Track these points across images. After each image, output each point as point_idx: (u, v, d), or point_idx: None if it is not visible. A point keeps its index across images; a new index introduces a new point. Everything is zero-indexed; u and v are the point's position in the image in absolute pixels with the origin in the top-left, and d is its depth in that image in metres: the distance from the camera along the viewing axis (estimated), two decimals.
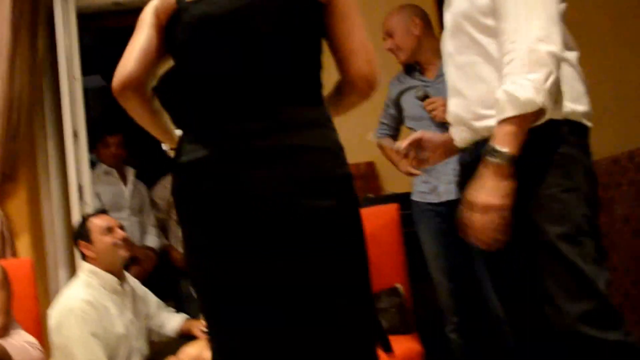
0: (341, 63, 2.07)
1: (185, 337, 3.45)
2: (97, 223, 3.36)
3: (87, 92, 7.54)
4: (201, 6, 1.95)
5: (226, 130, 1.92)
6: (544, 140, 1.96)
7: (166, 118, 2.19)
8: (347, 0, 2.05)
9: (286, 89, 1.97)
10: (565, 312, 1.88)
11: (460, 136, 2.23)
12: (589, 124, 2.05)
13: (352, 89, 2.11)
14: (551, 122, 1.95)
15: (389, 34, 3.51)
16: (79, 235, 3.38)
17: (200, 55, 1.97)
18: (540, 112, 1.87)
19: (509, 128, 1.88)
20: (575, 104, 2.01)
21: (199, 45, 1.96)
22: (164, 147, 2.30)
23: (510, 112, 1.86)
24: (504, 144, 1.88)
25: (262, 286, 1.89)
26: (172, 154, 2.15)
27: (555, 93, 1.91)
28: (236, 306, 1.93)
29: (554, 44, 1.88)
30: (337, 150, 1.99)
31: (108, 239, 3.32)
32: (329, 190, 1.91)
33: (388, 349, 2.12)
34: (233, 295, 1.93)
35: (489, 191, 1.90)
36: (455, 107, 2.22)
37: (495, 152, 1.88)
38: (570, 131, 1.99)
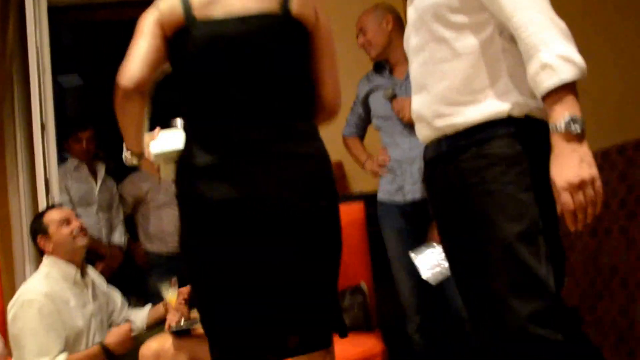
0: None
1: (153, 327, 3.46)
2: (54, 216, 3.36)
3: (65, 91, 7.55)
4: (212, 26, 2.15)
5: (238, 138, 2.13)
6: (504, 138, 1.91)
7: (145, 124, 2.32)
8: (326, 36, 2.33)
9: (288, 104, 2.21)
10: (516, 311, 1.85)
11: (422, 133, 2.19)
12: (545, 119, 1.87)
13: (319, 111, 2.38)
14: (511, 119, 1.91)
15: (362, 31, 3.57)
16: (37, 230, 3.36)
17: (213, 70, 2.16)
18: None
19: (570, 96, 1.75)
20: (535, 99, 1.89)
21: (211, 61, 2.16)
22: (126, 152, 2.35)
23: (568, 75, 1.73)
24: (575, 110, 1.75)
25: (271, 277, 2.14)
26: (131, 160, 2.34)
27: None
28: (244, 297, 2.15)
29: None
30: (327, 158, 2.30)
31: (65, 230, 3.31)
32: (324, 192, 2.22)
33: (344, 334, 2.35)
34: (242, 288, 2.14)
35: (586, 164, 1.73)
36: (417, 104, 2.17)
37: (574, 121, 1.73)
38: (530, 128, 1.91)
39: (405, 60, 3.48)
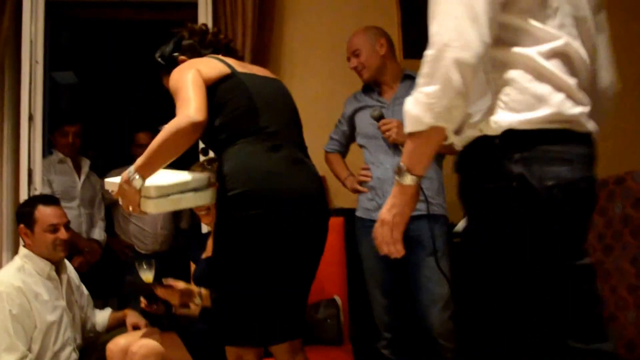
0: None
1: (113, 329, 3.49)
2: (45, 217, 3.30)
3: (60, 87, 7.58)
4: (250, 76, 2.68)
5: (289, 155, 2.58)
6: (478, 159, 1.87)
7: None
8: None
9: (299, 130, 2.80)
10: None
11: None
12: (554, 126, 1.78)
13: None
14: (484, 138, 1.83)
15: (354, 54, 3.58)
16: (23, 219, 3.33)
17: (257, 103, 2.60)
18: (441, 131, 1.79)
19: (409, 145, 1.87)
20: (526, 111, 1.77)
21: (256, 96, 2.62)
22: (136, 175, 2.44)
23: (406, 128, 1.83)
24: (404, 160, 1.89)
25: (305, 266, 2.58)
26: (136, 183, 2.44)
27: (461, 109, 1.77)
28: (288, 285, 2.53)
29: (467, 49, 1.70)
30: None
31: (49, 237, 3.27)
32: (325, 200, 2.70)
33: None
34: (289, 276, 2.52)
35: (386, 209, 2.00)
36: None
37: (397, 168, 1.91)
38: (508, 144, 1.78)
39: (394, 83, 3.56)
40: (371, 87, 3.69)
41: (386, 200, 2.00)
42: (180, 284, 3.07)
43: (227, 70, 2.63)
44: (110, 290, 4.99)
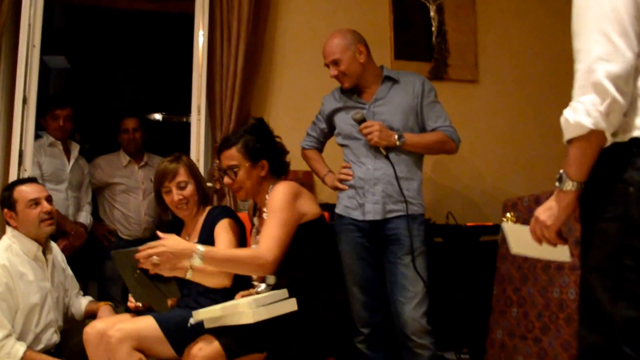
0: None
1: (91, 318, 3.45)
2: (24, 194, 3.31)
3: (51, 71, 7.62)
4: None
5: None
6: (602, 165, 1.87)
7: None
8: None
9: None
10: (580, 339, 1.92)
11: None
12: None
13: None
14: (615, 145, 1.85)
15: (334, 63, 3.55)
16: (4, 203, 3.33)
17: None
18: (600, 134, 1.80)
19: (570, 152, 1.87)
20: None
21: None
22: (197, 260, 2.61)
23: (566, 136, 1.86)
24: (565, 167, 1.90)
25: None
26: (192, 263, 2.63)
27: (618, 114, 1.81)
28: None
29: (615, 62, 1.77)
30: None
31: (33, 212, 3.28)
32: None
33: None
34: None
35: (543, 206, 1.99)
36: None
37: (558, 175, 1.92)
38: (633, 151, 1.83)
39: (373, 84, 3.59)
40: (351, 89, 3.66)
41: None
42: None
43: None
44: (91, 274, 5.06)
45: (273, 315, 2.60)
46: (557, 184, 1.92)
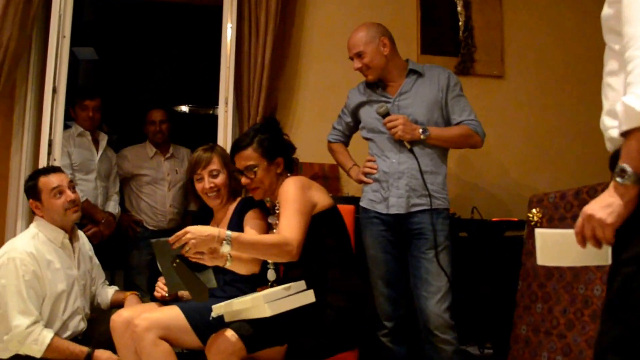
0: None
1: (117, 307, 3.45)
2: (47, 184, 3.31)
3: (79, 62, 7.70)
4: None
5: None
6: None
7: None
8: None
9: None
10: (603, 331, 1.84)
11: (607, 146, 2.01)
12: None
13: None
14: None
15: (358, 55, 3.56)
16: (29, 193, 3.36)
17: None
18: None
19: (628, 143, 1.73)
20: None
21: None
22: (227, 248, 2.61)
23: (625, 126, 1.71)
24: (623, 160, 1.73)
25: None
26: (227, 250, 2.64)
27: None
28: None
29: None
30: None
31: (57, 202, 3.29)
32: None
33: None
34: None
35: (598, 203, 1.79)
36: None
37: (616, 168, 1.74)
38: None
39: (398, 78, 3.58)
40: (375, 82, 3.67)
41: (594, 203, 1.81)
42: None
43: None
44: (117, 264, 5.12)
45: (290, 308, 2.62)
46: (617, 178, 1.74)
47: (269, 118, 3.25)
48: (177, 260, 2.61)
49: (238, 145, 3.13)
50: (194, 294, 2.73)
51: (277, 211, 3.08)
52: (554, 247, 2.05)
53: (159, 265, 2.77)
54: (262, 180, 3.07)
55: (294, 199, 2.85)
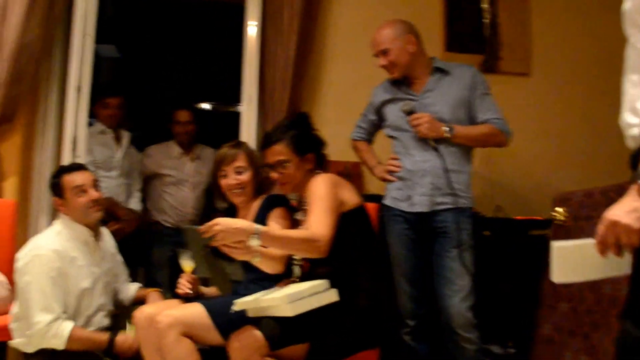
0: None
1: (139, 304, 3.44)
2: (70, 182, 3.32)
3: (101, 60, 7.74)
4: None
5: None
6: None
7: None
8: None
9: None
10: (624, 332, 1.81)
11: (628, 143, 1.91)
12: None
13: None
14: None
15: (383, 52, 3.55)
16: (53, 190, 3.37)
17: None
18: None
19: None
20: None
21: None
22: (254, 241, 2.60)
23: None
24: None
25: None
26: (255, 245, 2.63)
27: None
28: None
29: None
30: None
31: (80, 200, 3.30)
32: None
33: None
34: None
35: (621, 208, 1.69)
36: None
37: (639, 170, 1.67)
38: None
39: (424, 75, 3.56)
40: (400, 80, 3.66)
41: (620, 202, 1.72)
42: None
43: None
44: (138, 261, 5.13)
45: (313, 307, 2.60)
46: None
47: (301, 113, 3.24)
48: (206, 249, 2.62)
49: (269, 139, 3.12)
50: (218, 283, 2.74)
51: (304, 207, 3.07)
52: (571, 260, 1.92)
53: (190, 250, 2.77)
54: (292, 175, 3.07)
55: (324, 196, 2.85)
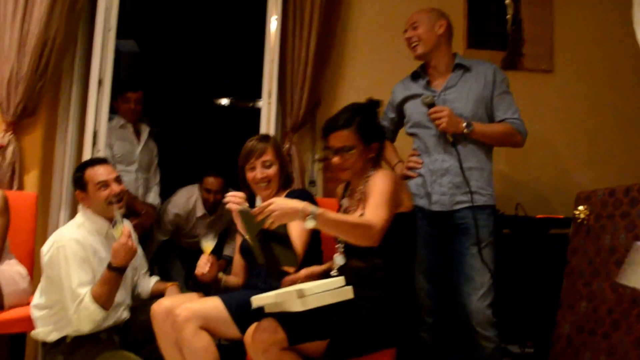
0: None
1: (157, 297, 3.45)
2: (93, 176, 3.34)
3: (121, 54, 7.77)
4: None
5: None
6: None
7: None
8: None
9: None
10: None
11: None
12: None
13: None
14: None
15: (412, 25, 3.60)
16: (76, 183, 3.38)
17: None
18: None
19: None
20: None
21: None
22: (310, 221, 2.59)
23: None
24: None
25: None
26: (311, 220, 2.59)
27: None
28: None
29: None
30: None
31: (103, 194, 3.31)
32: None
33: None
34: None
35: None
36: None
37: None
38: None
39: (444, 72, 3.55)
40: (420, 74, 3.68)
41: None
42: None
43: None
44: (155, 257, 5.18)
45: (325, 304, 2.58)
46: None
47: (371, 99, 3.20)
48: (260, 233, 2.61)
49: (335, 123, 3.05)
50: (270, 268, 2.73)
51: (355, 196, 3.07)
52: None
53: (246, 233, 2.76)
54: (354, 162, 3.02)
55: (385, 190, 2.81)
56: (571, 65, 5.05)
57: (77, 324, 3.11)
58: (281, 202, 2.54)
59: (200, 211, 5.26)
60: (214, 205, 5.24)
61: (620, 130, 4.98)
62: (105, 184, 3.32)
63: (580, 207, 3.75)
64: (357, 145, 2.98)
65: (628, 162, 4.91)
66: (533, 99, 4.61)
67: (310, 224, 2.53)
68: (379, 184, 2.84)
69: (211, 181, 5.20)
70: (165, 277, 4.96)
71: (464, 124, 3.40)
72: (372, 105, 3.13)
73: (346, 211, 3.11)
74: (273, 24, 4.56)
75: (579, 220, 3.74)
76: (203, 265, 3.20)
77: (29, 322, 3.30)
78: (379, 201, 2.77)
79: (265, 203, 2.53)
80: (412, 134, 3.68)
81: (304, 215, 2.52)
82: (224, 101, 8.40)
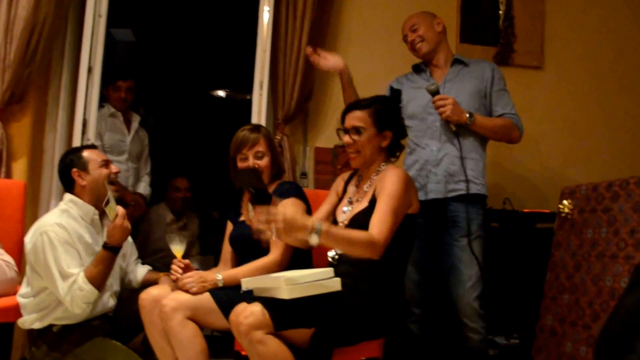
0: None
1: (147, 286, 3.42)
2: (94, 157, 3.37)
3: (117, 43, 7.75)
4: None
5: None
6: None
7: None
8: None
9: None
10: None
11: None
12: None
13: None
14: None
15: (412, 28, 3.64)
16: (74, 164, 3.35)
17: None
18: None
19: None
20: None
21: None
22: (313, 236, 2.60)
23: None
24: None
25: None
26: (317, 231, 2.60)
27: None
28: None
29: None
30: None
31: (104, 171, 3.33)
32: None
33: None
34: None
35: None
36: None
37: None
38: None
39: (445, 65, 3.57)
40: (421, 68, 3.72)
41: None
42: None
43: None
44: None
45: (312, 294, 2.59)
46: None
47: (396, 90, 3.20)
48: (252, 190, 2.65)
49: (355, 104, 3.09)
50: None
51: (364, 187, 3.08)
52: None
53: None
54: (363, 145, 3.02)
55: (396, 195, 2.82)
56: (561, 63, 5.09)
57: (70, 306, 3.09)
58: (291, 218, 2.53)
59: (168, 217, 5.40)
60: (183, 206, 5.43)
61: (607, 126, 5.02)
62: (106, 163, 3.37)
63: (565, 202, 3.78)
64: (369, 128, 3.01)
65: (616, 158, 4.94)
66: (523, 95, 4.63)
67: (314, 240, 2.54)
68: (389, 187, 2.85)
69: (180, 181, 5.47)
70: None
71: (467, 114, 3.42)
72: (395, 95, 3.18)
73: (351, 200, 3.11)
74: (265, 14, 4.55)
75: (563, 215, 3.78)
76: (176, 271, 3.18)
77: (16, 311, 3.28)
78: (387, 210, 2.77)
79: (275, 212, 2.51)
80: (408, 127, 3.64)
81: (309, 231, 2.53)
82: (221, 93, 8.39)
